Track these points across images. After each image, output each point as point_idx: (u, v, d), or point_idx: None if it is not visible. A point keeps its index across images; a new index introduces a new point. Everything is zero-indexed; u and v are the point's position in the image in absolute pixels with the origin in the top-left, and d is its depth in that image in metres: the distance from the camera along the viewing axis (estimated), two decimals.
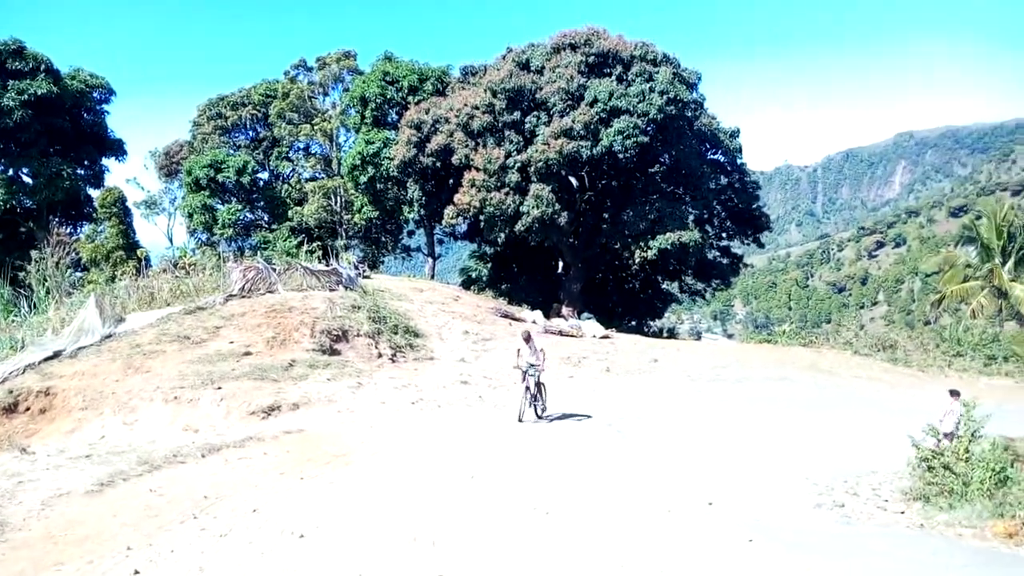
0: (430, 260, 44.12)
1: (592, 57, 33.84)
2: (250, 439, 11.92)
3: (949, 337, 29.58)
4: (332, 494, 9.15)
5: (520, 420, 13.85)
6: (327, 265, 25.17)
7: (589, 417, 14.66)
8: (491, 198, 32.79)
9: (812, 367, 24.04)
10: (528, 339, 14.66)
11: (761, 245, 46.05)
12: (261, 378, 15.60)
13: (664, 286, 43.22)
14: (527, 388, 14.16)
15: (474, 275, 44.28)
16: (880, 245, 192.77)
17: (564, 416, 14.73)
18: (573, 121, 31.79)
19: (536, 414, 14.39)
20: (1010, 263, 33.22)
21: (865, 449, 12.36)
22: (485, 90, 34.30)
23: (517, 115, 33.74)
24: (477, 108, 34.11)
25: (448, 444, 12.12)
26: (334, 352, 18.61)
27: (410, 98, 39.67)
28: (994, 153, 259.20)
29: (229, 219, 44.27)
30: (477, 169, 33.30)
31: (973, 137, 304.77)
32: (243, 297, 20.87)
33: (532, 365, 14.13)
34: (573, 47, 34.47)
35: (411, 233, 49.07)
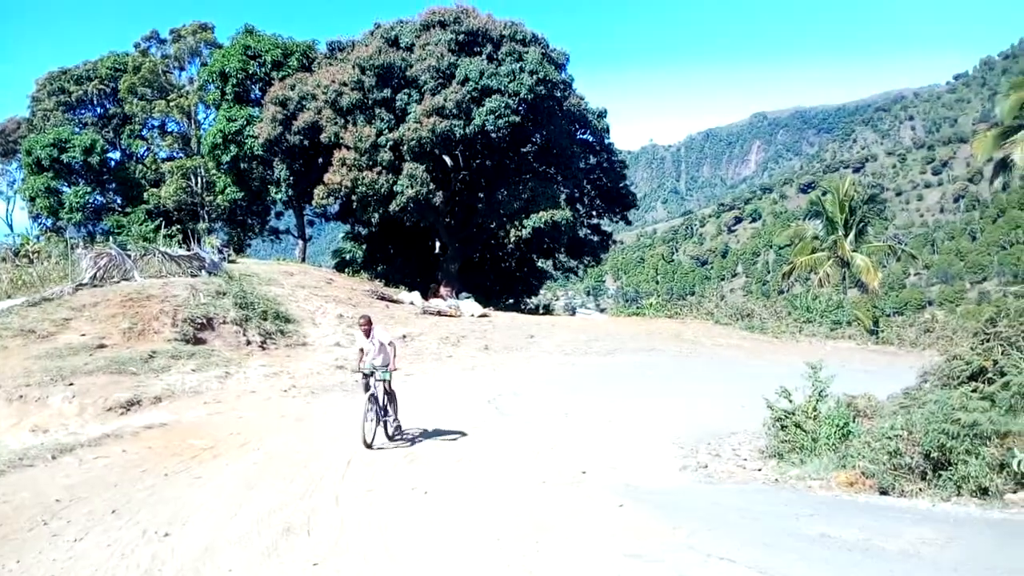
0: (300, 242, 42.70)
1: (462, 35, 33.64)
2: (107, 436, 11.14)
3: (800, 305, 31.85)
4: (199, 489, 8.73)
5: (368, 445, 10.36)
6: (188, 250, 23.84)
7: (464, 434, 11.62)
8: (363, 177, 32.10)
9: (677, 337, 25.26)
10: (368, 329, 11.10)
11: (629, 222, 47.72)
12: (118, 372, 14.61)
13: (539, 264, 44.00)
14: (372, 398, 10.56)
15: (348, 257, 43.34)
16: (738, 220, 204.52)
17: (428, 434, 11.59)
18: (445, 99, 31.56)
19: (387, 434, 11.05)
20: (851, 235, 36.04)
21: (727, 412, 13.13)
22: (354, 66, 33.41)
23: (388, 92, 33.11)
24: (346, 85, 33.18)
25: (323, 430, 11.86)
26: (199, 341, 17.69)
27: (274, 74, 38.02)
28: (837, 133, 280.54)
29: (77, 203, 41.00)
30: (347, 147, 32.46)
31: (819, 118, 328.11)
32: (95, 286, 19.43)
33: (376, 368, 10.72)
34: (443, 24, 34.13)
35: (279, 215, 47.28)
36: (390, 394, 11.02)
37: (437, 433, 11.65)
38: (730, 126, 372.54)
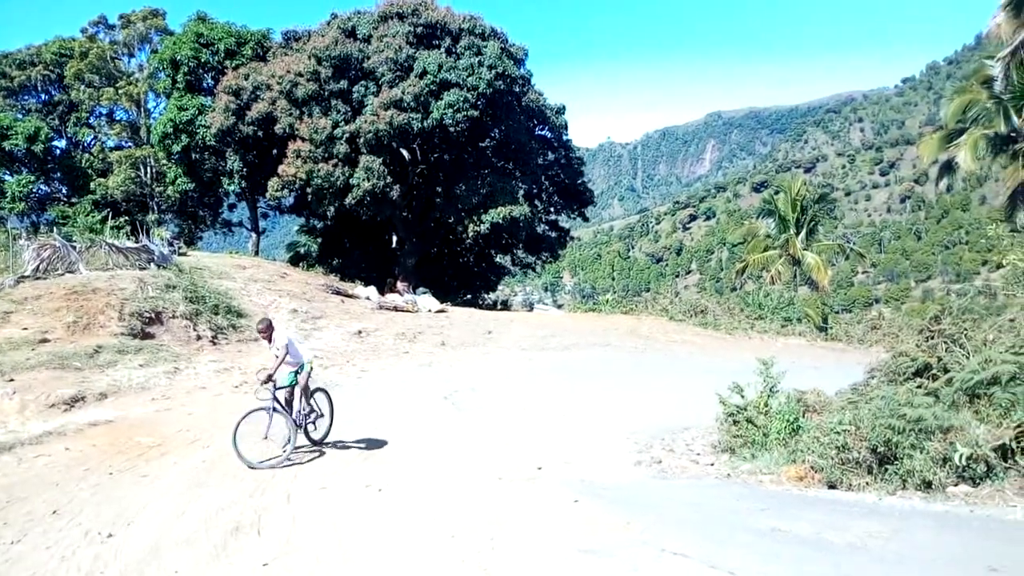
0: (254, 235, 41.91)
1: (420, 28, 33.35)
2: (50, 434, 10.77)
3: (752, 302, 32.41)
4: (145, 488, 8.49)
5: (244, 460, 9.27)
6: (136, 241, 23.19)
7: (420, 431, 11.34)
8: (318, 169, 31.63)
9: (633, 333, 25.47)
10: (268, 333, 10.00)
11: (586, 219, 47.94)
12: (62, 367, 14.13)
13: (497, 259, 43.94)
14: (266, 409, 9.67)
15: (303, 251, 42.72)
16: (693, 218, 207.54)
17: (383, 431, 11.04)
18: (403, 92, 31.27)
19: (311, 439, 10.30)
20: (803, 233, 36.77)
21: (681, 407, 13.26)
22: (310, 57, 32.88)
23: (344, 84, 32.67)
24: (301, 75, 32.62)
25: None
26: (147, 336, 17.23)
27: (227, 63, 37.16)
28: (790, 134, 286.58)
29: (19, 192, 39.50)
30: (303, 139, 31.95)
31: (772, 118, 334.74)
32: (38, 279, 18.78)
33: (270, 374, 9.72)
34: (401, 16, 33.79)
35: (232, 207, 46.28)
36: (310, 394, 10.27)
37: (392, 430, 11.52)
38: (686, 125, 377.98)
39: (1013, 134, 26.71)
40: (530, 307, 49.18)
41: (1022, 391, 7.44)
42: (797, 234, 36.81)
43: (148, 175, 43.17)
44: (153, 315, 17.93)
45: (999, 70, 23.11)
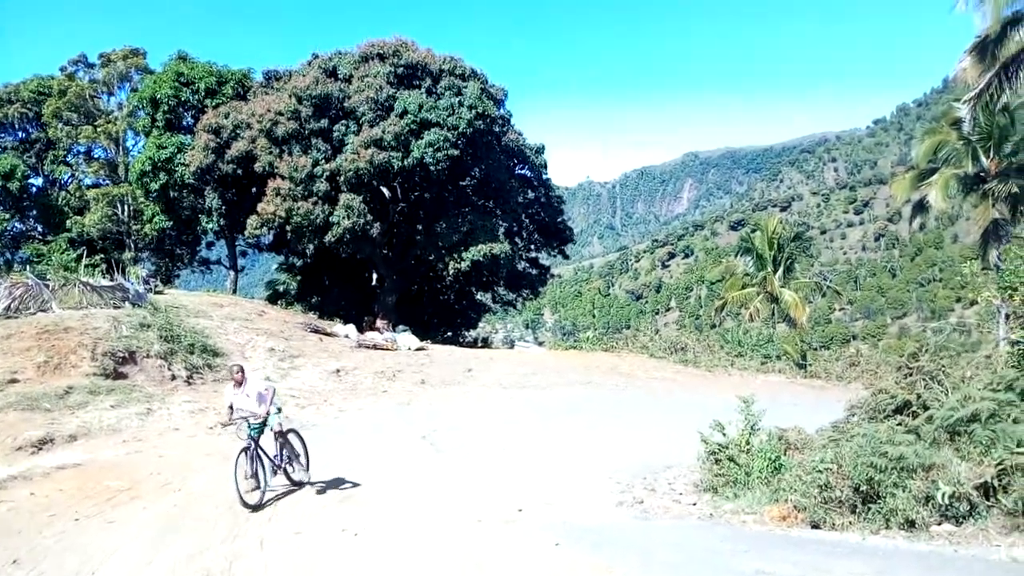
0: (232, 273, 41.52)
1: (401, 68, 33.68)
2: (15, 478, 10.44)
3: (731, 339, 32.51)
4: (112, 534, 8.21)
5: (244, 503, 9.13)
6: (111, 280, 22.88)
7: (398, 472, 11.17)
8: (298, 207, 31.55)
9: (614, 371, 25.40)
10: (241, 379, 10.02)
11: (567, 256, 48.10)
12: (31, 408, 13.78)
13: (478, 297, 43.82)
14: (247, 451, 9.58)
15: (282, 289, 42.39)
16: (671, 256, 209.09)
17: (360, 472, 10.85)
18: (383, 131, 31.43)
19: (291, 479, 10.24)
20: (780, 271, 37.14)
21: (662, 446, 13.17)
22: (290, 96, 33.01)
23: (325, 123, 32.80)
24: (282, 114, 32.72)
25: None
26: (120, 376, 16.89)
27: (207, 101, 37.21)
28: (765, 173, 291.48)
29: None
30: (282, 177, 31.90)
31: (748, 158, 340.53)
32: (9, 317, 18.43)
33: (252, 419, 9.79)
34: (382, 57, 34.13)
35: (210, 245, 45.88)
36: (284, 437, 10.17)
37: (369, 471, 11.30)
38: (663, 164, 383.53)
39: (982, 174, 27.34)
40: (511, 344, 49.04)
41: (1002, 428, 7.44)
42: (774, 272, 37.17)
43: (125, 213, 42.77)
44: (127, 355, 17.60)
45: (967, 112, 23.69)
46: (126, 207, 42.61)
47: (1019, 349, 8.42)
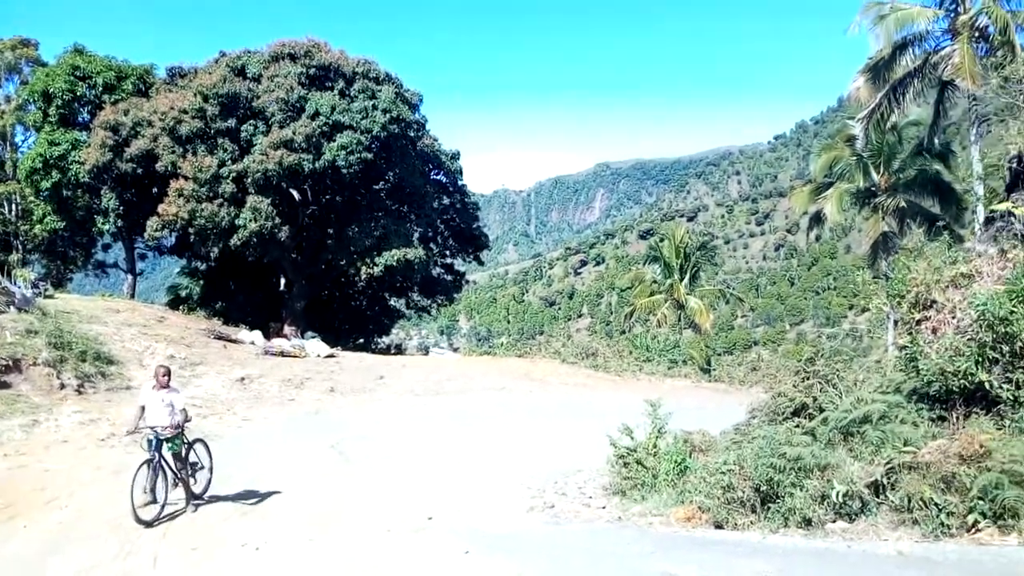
0: (130, 277, 39.50)
1: (313, 69, 32.98)
2: None
3: (640, 345, 33.31)
4: None
5: (138, 519, 8.49)
6: None
7: (304, 483, 10.83)
8: (202, 209, 30.36)
9: (527, 376, 25.56)
10: (166, 382, 9.42)
11: (482, 263, 48.20)
12: None
13: (391, 303, 43.32)
14: (153, 466, 8.99)
15: (184, 293, 40.59)
16: (584, 263, 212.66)
17: (264, 484, 10.50)
18: (294, 133, 30.67)
19: (192, 494, 9.52)
20: (686, 279, 38.41)
21: (573, 450, 13.27)
22: (196, 94, 31.78)
23: (232, 123, 31.74)
24: (186, 112, 31.45)
25: None
26: (3, 385, 15.73)
27: (106, 97, 35.29)
28: (674, 184, 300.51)
29: None
30: (186, 178, 30.63)
31: (657, 169, 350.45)
32: None
33: (160, 432, 9.10)
34: (293, 57, 33.33)
35: (107, 247, 43.48)
36: (190, 447, 9.69)
37: (274, 482, 10.92)
38: (577, 174, 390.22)
39: (873, 188, 28.99)
40: (425, 351, 48.55)
41: (891, 429, 7.84)
42: (681, 279, 38.37)
43: (12, 212, 40.13)
44: (10, 363, 16.41)
45: (859, 130, 25.10)
46: (13, 206, 40.02)
47: (906, 354, 8.91)
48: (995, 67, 17.71)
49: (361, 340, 40.04)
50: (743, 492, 8.23)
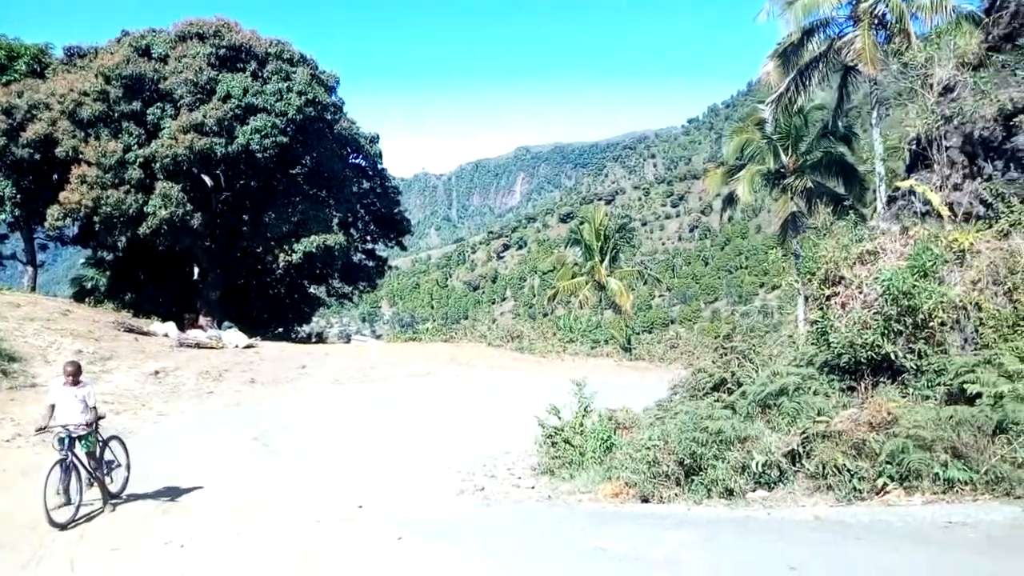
0: (30, 269, 37.25)
1: (223, 50, 31.73)
2: None
3: (563, 326, 33.82)
4: None
5: (52, 523, 8.07)
6: None
7: (228, 476, 10.57)
8: (107, 196, 28.89)
9: (453, 361, 25.56)
10: (75, 379, 8.93)
11: (404, 248, 47.73)
12: None
13: (311, 290, 42.43)
14: (66, 466, 8.53)
15: (90, 285, 38.62)
16: (506, 247, 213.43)
17: (186, 479, 10.16)
18: (205, 116, 29.50)
19: (109, 493, 9.06)
20: (607, 261, 39.14)
21: (501, 433, 13.41)
22: (97, 75, 30.13)
23: (138, 105, 30.24)
24: (87, 95, 29.77)
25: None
26: None
27: None
28: (592, 168, 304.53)
29: None
30: (89, 163, 29.05)
31: (576, 153, 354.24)
32: None
33: (73, 430, 8.64)
34: (201, 37, 31.97)
35: (3, 238, 40.94)
36: (105, 445, 9.29)
37: (196, 477, 10.60)
38: (497, 158, 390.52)
39: (782, 170, 30.14)
40: (347, 339, 47.84)
41: (805, 400, 8.24)
42: (601, 261, 39.07)
43: None
44: None
45: (769, 114, 26.04)
46: None
47: (817, 328, 9.35)
48: (894, 53, 18.64)
49: (281, 329, 39.12)
50: (668, 466, 8.49)
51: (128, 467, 9.75)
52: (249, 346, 26.46)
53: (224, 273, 35.22)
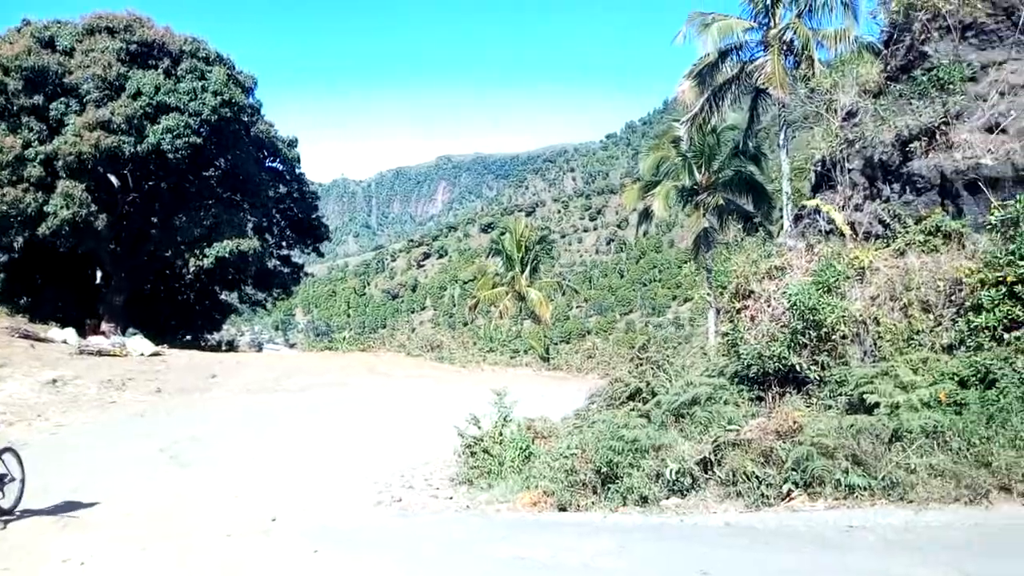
0: None
1: (135, 45, 30.48)
2: None
3: (484, 335, 33.98)
4: None
5: None
6: None
7: (132, 490, 10.09)
8: (3, 194, 27.22)
9: (371, 370, 25.26)
10: None
11: (321, 255, 46.88)
12: None
13: (223, 296, 41.08)
14: None
15: None
16: (427, 256, 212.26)
17: (86, 494, 9.65)
18: (113, 113, 28.26)
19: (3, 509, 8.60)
20: (527, 271, 39.55)
21: (420, 443, 13.33)
22: None
23: (39, 100, 28.67)
24: None
25: None
26: None
27: None
28: (513, 179, 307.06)
29: None
30: None
31: (497, 164, 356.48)
32: None
33: None
34: (111, 31, 30.62)
35: None
36: None
37: (98, 491, 10.09)
38: (418, 166, 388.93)
39: (695, 187, 31.17)
40: (259, 347, 46.61)
41: (717, 409, 8.56)
42: (522, 272, 39.45)
43: None
44: None
45: (684, 132, 26.95)
46: None
47: (728, 339, 9.73)
48: (802, 78, 19.63)
49: (189, 337, 37.70)
50: (585, 475, 8.66)
51: (23, 481, 9.19)
52: (155, 354, 25.40)
53: (130, 277, 33.72)
